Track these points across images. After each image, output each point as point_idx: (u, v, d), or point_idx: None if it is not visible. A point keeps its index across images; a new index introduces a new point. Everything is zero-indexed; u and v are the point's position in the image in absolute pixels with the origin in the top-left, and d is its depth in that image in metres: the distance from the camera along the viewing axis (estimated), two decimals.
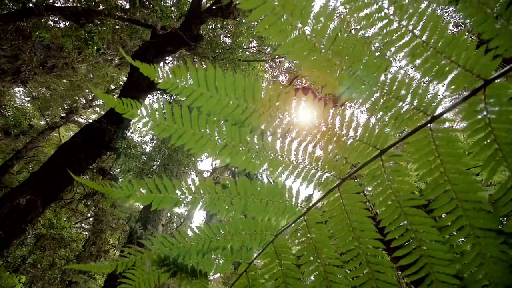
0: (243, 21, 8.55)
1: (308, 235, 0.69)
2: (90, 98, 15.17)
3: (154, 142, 9.48)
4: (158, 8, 8.21)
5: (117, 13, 6.85)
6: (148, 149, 8.86)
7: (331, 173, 0.66)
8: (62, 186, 4.22)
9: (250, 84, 0.54)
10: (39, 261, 7.87)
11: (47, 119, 13.22)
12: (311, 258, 0.68)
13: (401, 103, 0.60)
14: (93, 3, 7.14)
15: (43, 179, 4.03)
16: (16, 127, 12.63)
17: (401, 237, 0.63)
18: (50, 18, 6.66)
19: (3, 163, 11.78)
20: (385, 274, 0.64)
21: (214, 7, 7.75)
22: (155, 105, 0.56)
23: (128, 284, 0.70)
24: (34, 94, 12.64)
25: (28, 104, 13.52)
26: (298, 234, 0.69)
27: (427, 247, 0.60)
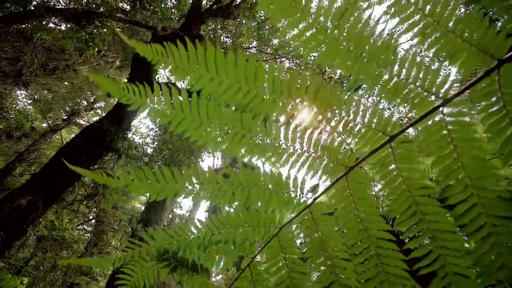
0: (243, 21, 8.55)
1: (314, 227, 0.66)
2: (92, 100, 15.22)
3: (156, 143, 9.47)
4: (158, 10, 8.23)
5: (117, 15, 6.87)
6: (149, 150, 8.85)
7: (338, 162, 0.63)
8: (63, 187, 4.21)
9: (252, 66, 0.51)
10: (41, 263, 7.86)
11: (49, 122, 13.26)
12: (318, 251, 0.65)
13: (411, 86, 0.57)
14: (94, 5, 7.16)
15: (44, 180, 4.02)
16: (18, 130, 12.67)
17: (412, 227, 0.60)
18: (51, 20, 6.68)
19: (5, 166, 11.82)
20: (396, 268, 0.60)
21: (214, 7, 7.75)
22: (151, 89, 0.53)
23: (127, 280, 0.67)
24: (36, 96, 12.69)
25: (30, 107, 13.58)
26: (304, 227, 0.66)
27: (441, 238, 0.57)
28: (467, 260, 0.56)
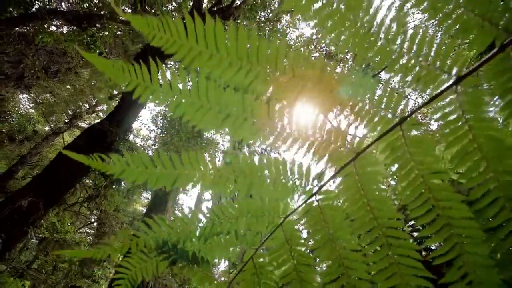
0: (244, 22, 8.55)
1: (321, 216, 0.62)
2: (94, 104, 15.27)
3: (157, 144, 9.46)
4: (159, 12, 8.25)
5: (119, 17, 6.89)
6: (150, 153, 8.84)
7: (345, 147, 0.60)
8: (63, 188, 4.19)
9: (254, 42, 0.48)
10: (43, 266, 7.82)
11: (51, 125, 13.30)
12: (325, 242, 0.62)
13: (423, 63, 0.54)
14: (95, 8, 7.20)
15: (45, 181, 4.01)
16: (20, 133, 12.72)
17: (426, 214, 0.56)
18: (53, 23, 6.71)
19: (8, 169, 11.84)
20: (408, 258, 0.57)
21: (214, 8, 7.76)
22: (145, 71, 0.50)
23: (124, 273, 0.64)
24: (38, 100, 12.74)
25: (32, 110, 13.63)
26: (309, 216, 0.63)
27: (457, 225, 0.53)
28: (484, 248, 0.53)
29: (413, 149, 0.57)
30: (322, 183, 0.62)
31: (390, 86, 0.56)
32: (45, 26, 6.17)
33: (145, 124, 11.15)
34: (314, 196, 0.62)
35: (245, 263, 0.63)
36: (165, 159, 0.54)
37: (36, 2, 6.23)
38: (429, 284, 0.56)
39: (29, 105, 13.52)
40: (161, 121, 11.07)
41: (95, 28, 6.68)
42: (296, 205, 0.63)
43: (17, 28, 6.43)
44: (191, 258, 0.63)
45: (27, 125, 12.67)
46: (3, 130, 12.34)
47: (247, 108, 0.55)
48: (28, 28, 6.57)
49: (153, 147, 9.39)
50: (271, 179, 0.60)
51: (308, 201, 0.63)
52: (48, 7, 5.81)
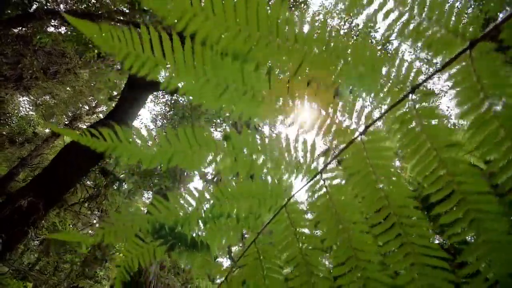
0: None
1: (327, 196, 0.59)
2: (94, 105, 15.25)
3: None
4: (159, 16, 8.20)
5: (116, 16, 6.86)
6: None
7: (352, 120, 0.56)
8: (64, 188, 4.16)
9: (253, 3, 0.45)
10: (45, 267, 7.81)
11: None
12: (332, 223, 0.58)
13: (435, 27, 0.50)
14: (94, 8, 7.16)
15: (45, 181, 3.98)
16: (20, 135, 12.71)
17: (440, 191, 0.52)
18: (51, 23, 6.68)
19: (9, 172, 11.82)
20: (423, 237, 0.53)
21: None
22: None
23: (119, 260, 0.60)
24: (38, 101, 12.72)
25: (32, 113, 13.61)
26: (315, 197, 0.59)
27: (474, 200, 0.50)
28: (504, 224, 0.49)
29: (425, 121, 0.54)
30: (328, 160, 0.59)
31: (399, 55, 0.53)
32: (43, 26, 6.14)
33: (145, 124, 11.12)
34: (320, 175, 0.59)
35: (247, 247, 0.60)
36: (161, 135, 0.50)
37: (34, 2, 6.20)
38: (445, 264, 0.52)
39: (29, 107, 13.50)
40: (160, 120, 11.04)
41: None
42: (301, 185, 0.60)
43: (15, 29, 6.40)
44: (190, 242, 0.60)
45: (27, 127, 12.66)
46: (3, 132, 12.33)
47: (247, 79, 0.52)
48: (26, 28, 6.54)
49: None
50: (274, 157, 0.57)
51: (313, 181, 0.59)
52: (46, 7, 5.78)
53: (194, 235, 0.60)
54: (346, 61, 0.52)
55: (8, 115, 11.94)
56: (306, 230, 0.59)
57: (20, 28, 6.56)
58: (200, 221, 0.59)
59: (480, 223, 0.50)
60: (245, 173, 0.57)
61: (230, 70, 0.51)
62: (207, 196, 0.57)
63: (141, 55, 0.47)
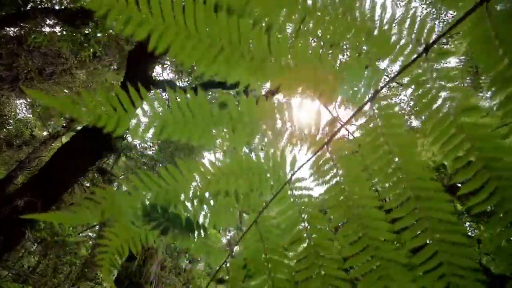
0: None
1: (334, 170, 0.54)
2: None
3: (156, 147, 9.37)
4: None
5: None
6: (150, 153, 8.74)
7: (362, 83, 0.51)
8: (61, 188, 4.10)
9: None
10: (45, 270, 7.73)
11: (50, 130, 13.18)
12: (340, 200, 0.53)
13: None
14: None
15: (42, 181, 3.92)
16: (18, 138, 12.61)
17: (460, 159, 0.47)
18: (45, 22, 6.60)
19: (7, 175, 11.73)
20: (441, 211, 0.48)
21: None
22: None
23: (107, 245, 0.55)
24: (35, 104, 12.61)
25: (29, 115, 13.49)
26: (321, 170, 0.54)
27: (496, 167, 0.45)
28: None
29: (442, 82, 0.48)
30: (334, 130, 0.53)
31: (411, 8, 0.47)
32: (37, 26, 6.05)
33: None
34: (326, 146, 0.54)
35: (248, 228, 0.54)
36: (133, 92, 0.45)
37: (30, 3, 6.11)
38: (465, 240, 0.47)
39: (26, 110, 13.39)
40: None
41: (89, 25, 6.56)
42: (305, 159, 0.54)
43: (8, 28, 6.31)
44: (185, 225, 0.54)
45: (25, 130, 12.57)
46: (1, 135, 12.23)
47: (244, 38, 0.46)
48: (20, 28, 6.45)
49: (153, 149, 9.29)
50: (275, 127, 0.51)
51: (319, 153, 0.54)
52: (40, 6, 5.70)
53: (189, 216, 0.55)
54: (354, 17, 0.47)
55: (5, 117, 11.84)
56: (312, 208, 0.54)
57: (14, 28, 6.48)
58: (195, 200, 0.54)
59: (504, 191, 0.44)
60: (244, 145, 0.51)
61: (225, 28, 0.45)
62: (203, 171, 0.52)
63: (125, 9, 0.42)
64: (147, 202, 0.52)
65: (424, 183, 0.49)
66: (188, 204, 0.53)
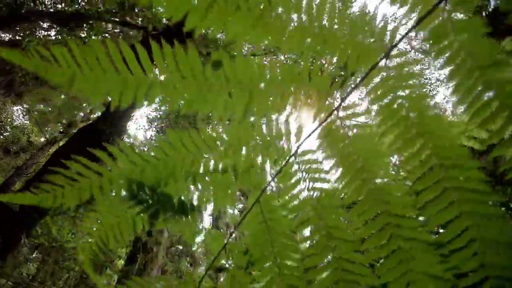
0: None
1: (346, 140, 0.47)
2: (88, 111, 15.06)
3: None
4: (149, 14, 8.11)
5: (107, 16, 6.74)
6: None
7: (374, 40, 0.44)
8: None
9: None
10: (44, 277, 7.61)
11: (47, 136, 13.07)
12: (354, 172, 0.46)
13: None
14: (83, 9, 7.03)
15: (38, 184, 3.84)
16: (15, 144, 12.50)
17: (488, 119, 0.41)
18: (41, 26, 6.54)
19: (4, 181, 11.60)
20: (471, 180, 0.42)
21: None
22: None
23: (88, 233, 0.48)
24: (32, 110, 12.52)
25: (26, 121, 13.39)
26: (331, 140, 0.48)
27: None
28: None
29: (463, 36, 0.42)
30: (344, 95, 0.47)
31: None
32: (32, 29, 5.99)
33: (142, 125, 10.98)
34: (335, 113, 0.47)
35: (250, 208, 0.48)
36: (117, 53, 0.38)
37: (24, 6, 6.06)
38: (500, 211, 0.41)
39: (23, 116, 13.27)
40: (159, 119, 10.90)
41: (83, 27, 6.51)
42: (313, 127, 0.48)
43: (4, 34, 6.25)
44: (177, 206, 0.48)
45: (21, 136, 12.46)
46: None
47: None
48: (14, 31, 6.39)
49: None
50: (278, 88, 0.45)
51: (327, 121, 0.47)
52: (34, 9, 5.64)
53: (181, 196, 0.48)
54: None
55: (1, 124, 11.74)
56: (322, 184, 0.48)
57: (9, 32, 6.42)
58: (188, 178, 0.47)
59: None
60: (242, 113, 0.45)
61: None
62: (197, 143, 0.45)
63: None
64: (132, 181, 0.45)
65: (450, 150, 0.43)
66: (180, 182, 0.47)
